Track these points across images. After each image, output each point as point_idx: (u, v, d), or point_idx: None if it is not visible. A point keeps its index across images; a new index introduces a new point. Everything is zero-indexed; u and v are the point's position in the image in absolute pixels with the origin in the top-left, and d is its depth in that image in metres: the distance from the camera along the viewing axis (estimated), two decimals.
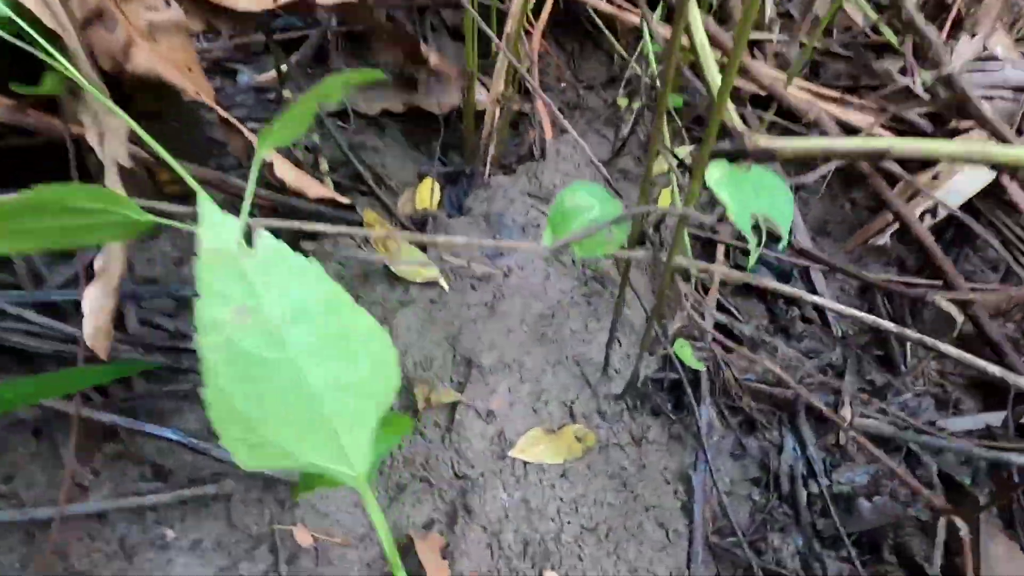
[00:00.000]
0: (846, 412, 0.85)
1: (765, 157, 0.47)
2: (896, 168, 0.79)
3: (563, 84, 1.41)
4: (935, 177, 0.88)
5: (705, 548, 0.71)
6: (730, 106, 0.49)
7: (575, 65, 1.50)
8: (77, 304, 0.68)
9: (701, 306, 0.66)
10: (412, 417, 0.72)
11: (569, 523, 0.63)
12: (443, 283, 0.85)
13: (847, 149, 0.47)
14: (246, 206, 0.40)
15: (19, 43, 0.51)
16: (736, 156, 0.46)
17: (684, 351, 0.69)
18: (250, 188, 0.39)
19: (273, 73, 1.18)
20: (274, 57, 1.02)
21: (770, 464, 0.84)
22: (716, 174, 0.40)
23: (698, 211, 0.49)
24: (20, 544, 0.65)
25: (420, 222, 1.01)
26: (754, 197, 0.40)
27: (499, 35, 0.96)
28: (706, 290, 0.97)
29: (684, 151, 1.19)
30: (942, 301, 0.67)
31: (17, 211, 0.36)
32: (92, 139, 0.61)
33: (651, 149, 0.54)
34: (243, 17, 0.87)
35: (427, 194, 1.05)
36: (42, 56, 0.49)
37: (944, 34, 1.30)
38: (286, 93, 1.04)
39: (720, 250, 1.03)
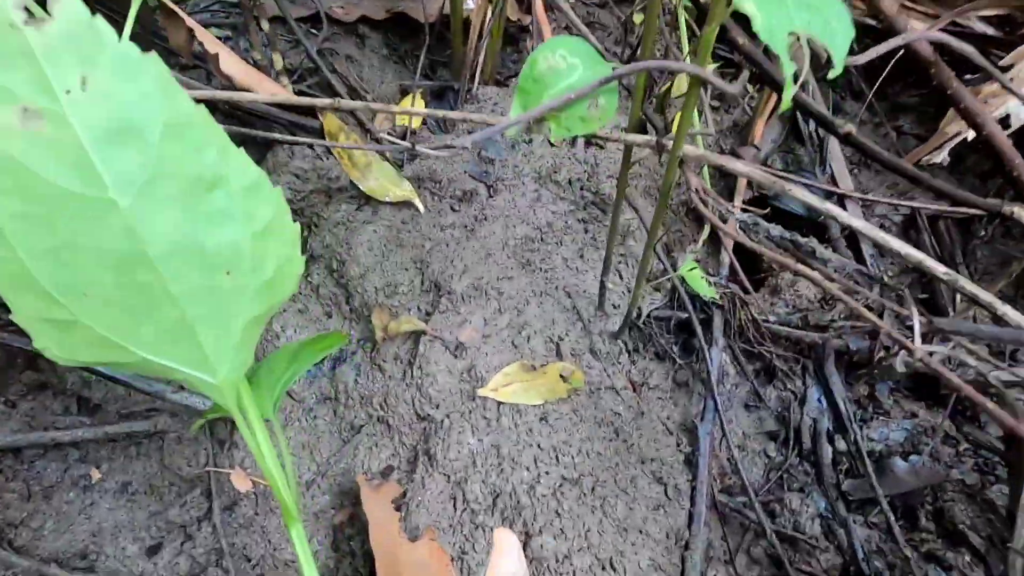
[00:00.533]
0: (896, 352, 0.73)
1: None
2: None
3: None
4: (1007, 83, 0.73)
5: (710, 508, 0.61)
6: None
7: None
8: None
9: (721, 210, 0.54)
10: (370, 352, 0.62)
11: (547, 473, 0.53)
12: (418, 203, 0.74)
13: None
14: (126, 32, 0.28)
15: None
16: None
17: (694, 278, 0.57)
18: (126, 34, 0.27)
19: None
20: None
21: (790, 417, 0.73)
22: None
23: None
24: None
25: (400, 136, 0.89)
26: (792, 10, 0.27)
27: None
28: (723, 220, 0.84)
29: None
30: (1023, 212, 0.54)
31: None
32: None
33: (649, 11, 0.41)
34: None
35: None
36: None
37: None
38: None
39: (742, 181, 0.90)
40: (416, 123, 0.94)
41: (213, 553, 0.55)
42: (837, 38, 0.27)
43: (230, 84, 0.71)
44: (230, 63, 0.70)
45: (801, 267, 0.52)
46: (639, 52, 0.44)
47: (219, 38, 1.01)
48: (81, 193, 0.22)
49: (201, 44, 0.70)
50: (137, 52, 0.22)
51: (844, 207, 0.93)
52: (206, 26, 1.01)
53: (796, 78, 0.26)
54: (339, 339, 0.41)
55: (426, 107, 0.98)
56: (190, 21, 0.70)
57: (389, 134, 0.91)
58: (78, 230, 0.22)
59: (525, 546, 0.49)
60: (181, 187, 0.24)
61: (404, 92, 0.99)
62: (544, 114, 0.40)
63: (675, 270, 0.75)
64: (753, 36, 0.28)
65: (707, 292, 0.60)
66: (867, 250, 0.88)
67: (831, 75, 0.26)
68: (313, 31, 0.99)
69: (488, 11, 0.92)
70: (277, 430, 0.36)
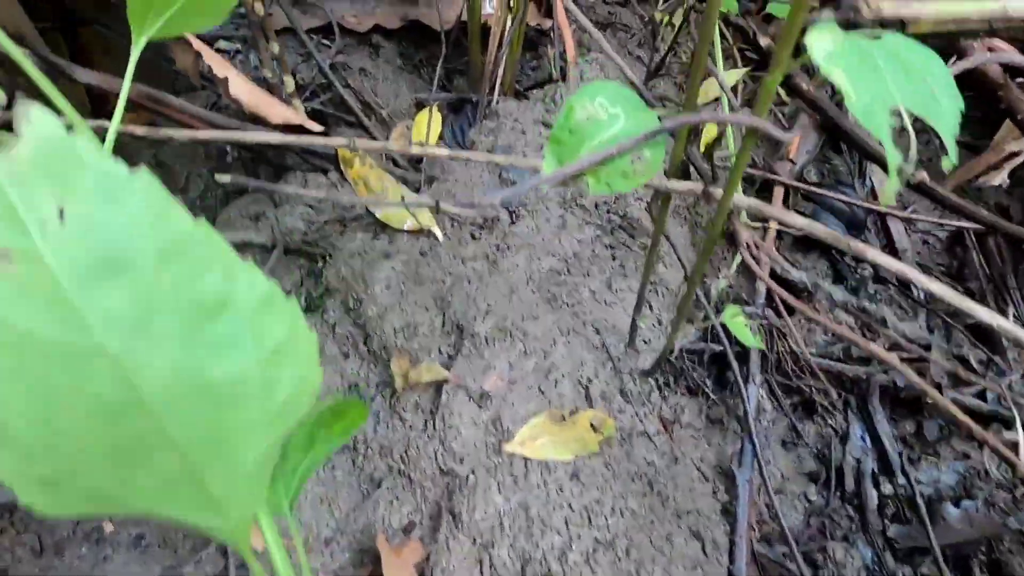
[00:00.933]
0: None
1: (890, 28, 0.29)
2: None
3: None
4: None
5: (750, 562, 0.58)
6: None
7: None
8: None
9: (759, 252, 0.50)
10: (390, 397, 0.58)
11: (579, 537, 0.50)
12: (436, 231, 0.70)
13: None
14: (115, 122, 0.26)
15: None
16: (845, 28, 0.28)
17: (738, 326, 0.53)
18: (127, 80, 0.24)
19: None
20: None
21: (831, 456, 0.69)
22: (825, 42, 0.24)
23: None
24: None
25: (416, 159, 0.86)
26: (891, 80, 0.23)
27: None
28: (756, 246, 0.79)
29: (736, 74, 0.98)
30: None
31: None
32: None
33: (698, 55, 0.37)
34: None
35: (425, 126, 0.89)
36: None
37: None
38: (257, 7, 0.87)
39: (778, 195, 0.85)
40: (433, 138, 0.90)
41: None
42: (945, 117, 0.23)
43: (239, 108, 0.68)
44: (239, 86, 0.67)
45: (819, 317, 0.48)
46: (675, 73, 0.40)
47: (228, 52, 0.98)
48: (62, 341, 0.19)
49: (209, 66, 0.67)
50: (123, 171, 0.19)
51: (885, 224, 0.88)
52: (214, 39, 0.98)
53: (901, 166, 0.22)
54: (361, 415, 0.38)
55: (444, 121, 0.94)
56: (197, 44, 0.67)
57: (405, 154, 0.87)
58: (60, 382, 0.19)
59: None
60: (179, 319, 0.20)
61: (420, 105, 0.95)
62: (583, 170, 0.36)
63: (709, 299, 0.71)
64: (818, 79, 0.24)
65: (752, 342, 0.56)
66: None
67: (945, 165, 0.22)
68: (325, 42, 0.95)
69: (508, 19, 0.87)
70: (294, 532, 0.32)
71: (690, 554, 0.55)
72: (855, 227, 0.86)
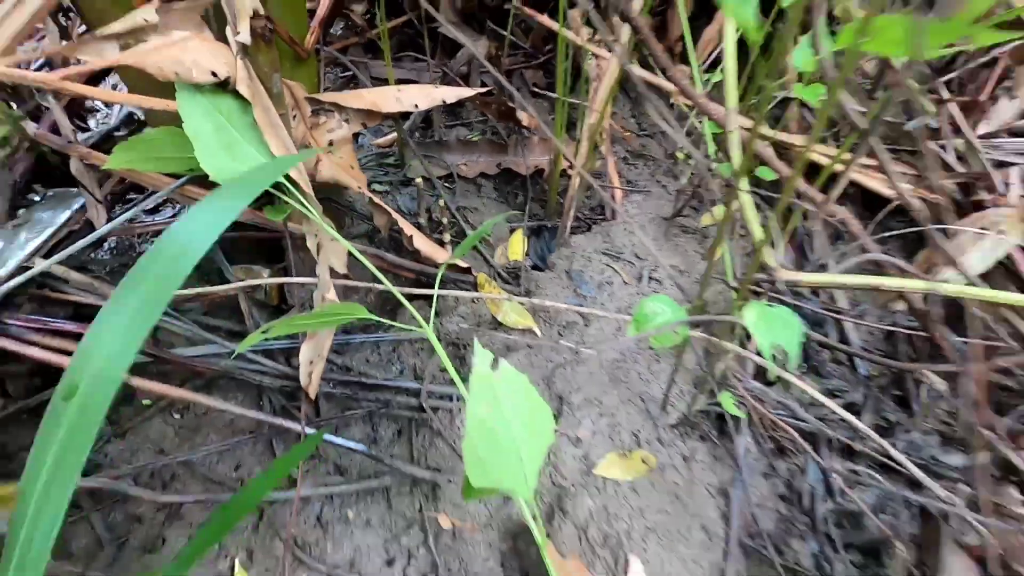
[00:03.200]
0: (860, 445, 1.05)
1: (791, 286, 0.68)
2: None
3: (627, 133, 1.60)
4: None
5: (739, 548, 0.94)
6: (768, 250, 0.70)
7: (637, 111, 1.69)
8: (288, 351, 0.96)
9: (743, 365, 0.87)
10: None
11: (636, 525, 0.87)
12: (536, 330, 1.09)
13: (857, 284, 0.68)
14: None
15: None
16: (767, 284, 0.67)
17: (727, 400, 0.91)
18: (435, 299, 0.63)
19: (391, 136, 1.43)
20: (395, 126, 1.27)
21: (795, 484, 1.05)
22: (752, 316, 0.62)
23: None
24: (251, 517, 0.94)
25: (513, 271, 1.25)
26: (776, 330, 0.61)
27: (574, 89, 1.17)
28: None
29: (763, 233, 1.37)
30: (929, 374, 0.85)
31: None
32: (311, 245, 0.87)
33: (714, 246, 0.75)
34: (390, 115, 1.12)
35: (518, 246, 1.29)
36: (286, 198, 0.75)
37: (987, 94, 1.42)
38: (407, 159, 1.29)
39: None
40: (518, 255, 1.30)
41: (430, 567, 0.90)
42: (793, 347, 0.61)
43: (417, 254, 1.08)
44: (419, 241, 1.07)
45: (784, 400, 0.85)
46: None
47: (380, 192, 1.40)
48: (500, 428, 0.58)
49: (399, 227, 1.07)
50: (519, 377, 0.58)
51: (840, 324, 1.25)
52: (370, 183, 1.40)
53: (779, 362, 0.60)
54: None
55: (528, 241, 1.34)
56: (393, 213, 1.07)
57: (504, 267, 1.27)
58: (497, 439, 0.58)
59: (627, 566, 0.83)
60: (526, 413, 0.59)
61: (511, 230, 1.35)
62: (648, 335, 0.74)
63: (714, 376, 1.09)
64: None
65: (736, 412, 0.93)
66: (858, 359, 1.20)
67: (789, 365, 0.59)
68: (447, 185, 1.36)
69: (578, 168, 1.27)
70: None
71: (701, 540, 0.91)
72: (817, 324, 1.24)
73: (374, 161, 1.41)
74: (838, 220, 0.91)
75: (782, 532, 1.00)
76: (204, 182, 0.69)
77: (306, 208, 0.73)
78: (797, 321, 0.63)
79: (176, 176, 0.85)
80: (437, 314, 1.10)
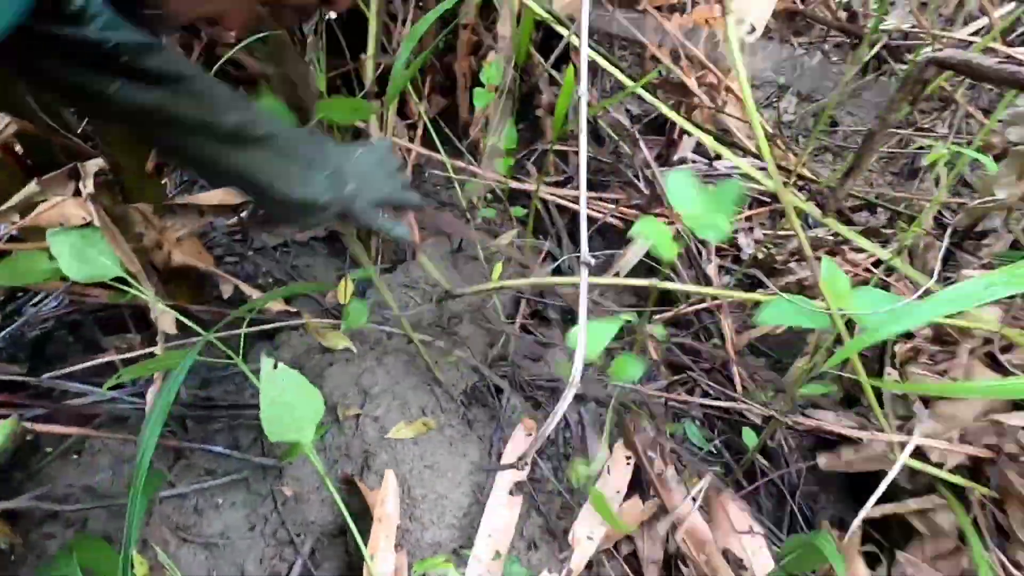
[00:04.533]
0: None
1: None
2: None
3: (426, 174, 2.06)
4: None
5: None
6: None
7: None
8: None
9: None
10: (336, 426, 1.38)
11: (416, 465, 1.30)
12: (353, 348, 1.51)
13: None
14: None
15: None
16: None
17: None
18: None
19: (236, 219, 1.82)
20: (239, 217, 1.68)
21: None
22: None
23: None
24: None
25: (339, 307, 1.67)
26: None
27: None
28: None
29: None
30: None
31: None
32: (153, 315, 1.25)
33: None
34: (220, 208, 1.52)
35: (343, 290, 1.71)
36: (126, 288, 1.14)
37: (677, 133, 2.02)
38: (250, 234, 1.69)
39: None
40: (343, 297, 1.73)
41: (279, 524, 1.28)
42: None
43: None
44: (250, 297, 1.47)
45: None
46: None
47: (231, 262, 1.78)
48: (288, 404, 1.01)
49: (241, 291, 1.47)
50: (294, 373, 1.01)
51: None
52: (221, 258, 1.78)
53: None
54: (321, 429, 1.17)
55: (352, 286, 1.77)
56: (243, 286, 1.46)
57: (335, 306, 1.68)
58: (291, 408, 1.01)
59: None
60: (297, 391, 1.02)
61: (339, 278, 1.77)
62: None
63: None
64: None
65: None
66: None
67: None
68: (285, 249, 1.77)
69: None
70: None
71: (468, 469, 1.36)
72: None
73: (227, 239, 1.80)
74: None
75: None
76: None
77: (139, 290, 1.11)
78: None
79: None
80: (276, 348, 1.50)
